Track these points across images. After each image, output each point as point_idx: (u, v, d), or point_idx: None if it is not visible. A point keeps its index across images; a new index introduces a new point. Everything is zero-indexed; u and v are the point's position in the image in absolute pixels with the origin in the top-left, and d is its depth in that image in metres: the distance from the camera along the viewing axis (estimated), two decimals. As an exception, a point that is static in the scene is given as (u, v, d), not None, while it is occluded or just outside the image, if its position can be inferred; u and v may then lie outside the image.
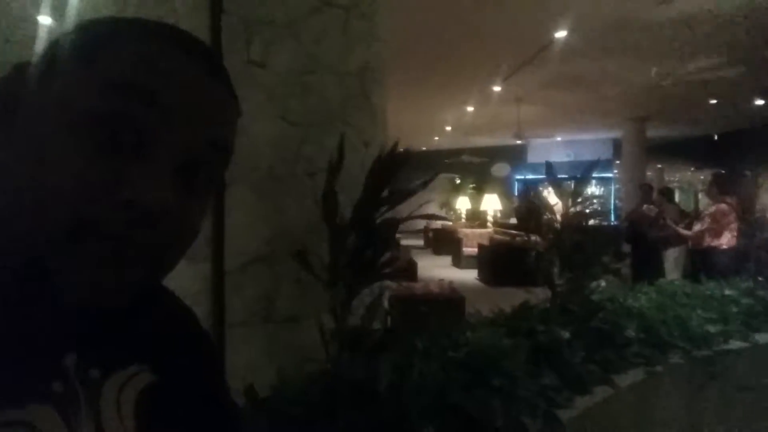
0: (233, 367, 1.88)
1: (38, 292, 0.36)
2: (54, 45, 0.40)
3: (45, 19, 4.81)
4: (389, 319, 2.24)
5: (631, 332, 2.30)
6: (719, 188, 5.05)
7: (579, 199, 2.79)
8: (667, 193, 6.46)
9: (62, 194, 0.35)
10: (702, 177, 15.47)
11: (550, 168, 3.02)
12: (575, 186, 2.74)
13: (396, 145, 1.66)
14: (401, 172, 1.70)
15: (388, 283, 2.27)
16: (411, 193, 1.64)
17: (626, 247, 6.10)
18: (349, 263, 1.60)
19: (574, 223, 3.03)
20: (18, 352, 0.36)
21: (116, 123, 0.36)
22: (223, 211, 1.83)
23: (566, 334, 2.13)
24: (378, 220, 1.68)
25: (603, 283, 2.97)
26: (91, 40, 0.39)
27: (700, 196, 15.02)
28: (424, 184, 1.83)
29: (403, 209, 1.85)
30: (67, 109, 0.36)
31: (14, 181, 0.37)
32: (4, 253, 0.37)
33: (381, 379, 1.52)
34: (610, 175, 14.91)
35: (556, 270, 2.96)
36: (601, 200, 13.99)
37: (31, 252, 0.36)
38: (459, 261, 10.51)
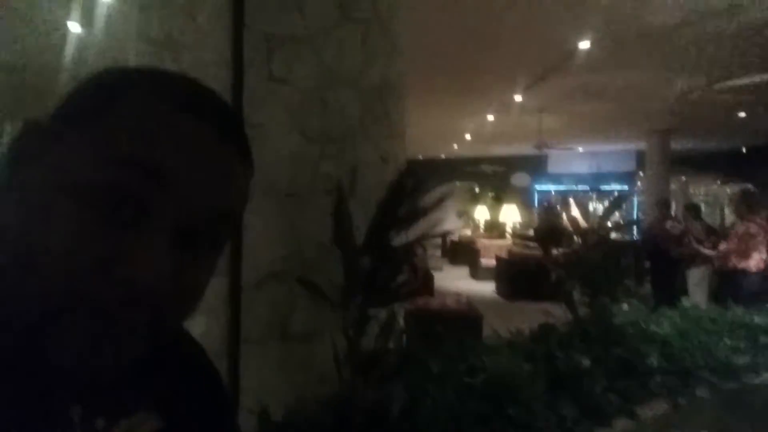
0: (247, 384, 1.87)
1: (40, 348, 0.35)
2: (62, 104, 0.39)
3: (74, 26, 4.88)
4: (404, 337, 2.21)
5: (653, 361, 2.22)
6: (748, 206, 4.85)
7: (607, 222, 2.73)
8: (693, 210, 6.24)
9: (57, 266, 0.34)
10: (729, 191, 15.06)
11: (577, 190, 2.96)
12: (603, 214, 2.68)
13: (406, 171, 1.63)
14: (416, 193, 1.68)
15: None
16: (425, 213, 1.60)
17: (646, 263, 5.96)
18: (363, 286, 1.57)
19: (596, 241, 2.96)
20: (22, 406, 0.36)
21: (117, 195, 0.35)
22: (242, 226, 1.82)
23: (586, 362, 2.07)
24: (393, 242, 1.65)
25: (625, 307, 2.89)
26: (96, 103, 0.37)
27: (726, 210, 14.62)
28: (439, 202, 1.80)
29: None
30: (67, 177, 0.35)
31: (11, 246, 0.36)
32: (5, 308, 0.36)
33: (394, 406, 1.48)
34: (633, 187, 14.62)
35: (576, 289, 2.89)
36: (624, 214, 13.74)
37: (19, 327, 0.35)
38: (476, 272, 10.40)
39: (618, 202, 2.94)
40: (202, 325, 1.80)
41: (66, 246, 0.34)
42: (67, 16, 4.34)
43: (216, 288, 1.84)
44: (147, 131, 0.36)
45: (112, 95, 0.38)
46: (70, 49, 5.01)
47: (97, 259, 0.34)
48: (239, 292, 1.89)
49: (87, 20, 4.34)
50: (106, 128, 0.36)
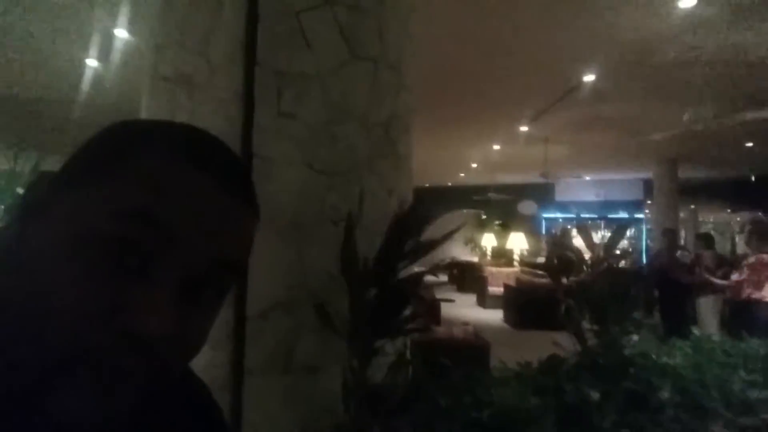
0: (251, 417, 1.85)
1: (44, 399, 0.35)
2: (72, 156, 0.40)
3: (92, 62, 5.06)
4: (411, 369, 2.19)
5: (665, 394, 2.18)
6: (759, 237, 4.82)
7: (613, 251, 2.73)
8: (705, 239, 6.21)
9: (59, 319, 0.34)
10: (739, 219, 14.92)
11: (579, 218, 2.98)
12: (608, 242, 2.68)
13: (413, 204, 1.65)
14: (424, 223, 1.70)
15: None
16: (432, 247, 1.62)
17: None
18: (369, 319, 1.57)
19: (604, 270, 2.95)
20: None
21: (122, 248, 0.36)
22: (247, 268, 1.84)
23: (596, 395, 2.03)
24: (400, 273, 1.66)
25: (635, 337, 2.85)
26: (105, 156, 0.39)
27: (737, 238, 14.45)
28: (449, 236, 1.81)
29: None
30: (74, 228, 0.36)
31: (15, 300, 0.36)
32: (9, 358, 0.36)
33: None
34: (641, 215, 14.56)
35: (585, 318, 2.86)
36: (632, 242, 13.64)
37: (23, 378, 0.35)
38: (484, 300, 10.30)
39: (620, 231, 2.93)
40: (206, 356, 1.81)
41: (71, 297, 0.35)
42: (85, 53, 4.51)
43: (220, 319, 1.85)
44: (153, 184, 0.37)
45: (121, 148, 0.39)
46: (86, 84, 5.19)
47: (102, 310, 0.35)
48: (244, 322, 1.90)
49: (104, 57, 4.51)
50: (114, 181, 0.37)
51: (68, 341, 0.34)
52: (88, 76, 4.96)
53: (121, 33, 4.09)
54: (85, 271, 0.35)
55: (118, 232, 0.36)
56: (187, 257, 0.37)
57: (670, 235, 6.35)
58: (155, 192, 0.37)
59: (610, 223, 13.90)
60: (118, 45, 4.22)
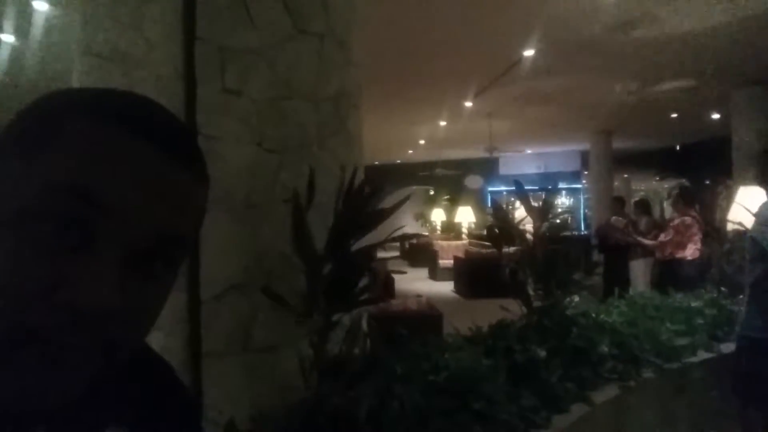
0: (210, 399, 1.84)
1: None
2: (5, 130, 0.39)
3: (8, 38, 4.65)
4: (368, 341, 2.24)
5: (604, 348, 2.36)
6: (685, 201, 5.26)
7: (549, 216, 2.87)
8: (642, 206, 6.68)
9: (1, 296, 0.33)
10: (666, 186, 16.03)
11: (518, 185, 3.10)
12: (542, 206, 2.82)
13: (364, 179, 1.67)
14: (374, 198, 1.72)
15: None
16: (384, 218, 1.65)
17: (598, 256, 6.30)
18: (325, 293, 1.59)
19: (545, 238, 3.09)
20: None
21: (59, 222, 0.35)
22: (199, 240, 1.81)
23: (543, 353, 2.17)
24: (354, 247, 1.68)
25: (576, 298, 3.03)
26: (37, 128, 0.37)
27: (665, 204, 15.54)
28: (398, 206, 1.84)
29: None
30: (9, 204, 0.35)
31: None
32: None
33: (361, 407, 1.52)
34: (579, 185, 15.31)
35: (530, 284, 3.00)
36: (571, 211, 14.36)
37: None
38: (435, 273, 10.59)
39: (548, 201, 3.10)
40: (161, 341, 1.77)
41: (9, 274, 0.34)
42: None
43: (174, 303, 1.81)
44: (85, 155, 0.35)
45: (52, 118, 0.37)
46: (2, 62, 4.77)
47: (42, 286, 0.34)
48: (199, 306, 1.87)
49: (22, 32, 4.14)
50: (47, 154, 0.35)
51: (10, 321, 0.33)
52: (3, 53, 4.55)
53: (41, 5, 3.77)
54: (23, 248, 0.34)
55: (51, 209, 0.34)
56: (129, 231, 0.36)
57: (616, 203, 6.77)
58: (88, 163, 0.35)
59: (550, 193, 14.56)
60: (38, 20, 3.89)
